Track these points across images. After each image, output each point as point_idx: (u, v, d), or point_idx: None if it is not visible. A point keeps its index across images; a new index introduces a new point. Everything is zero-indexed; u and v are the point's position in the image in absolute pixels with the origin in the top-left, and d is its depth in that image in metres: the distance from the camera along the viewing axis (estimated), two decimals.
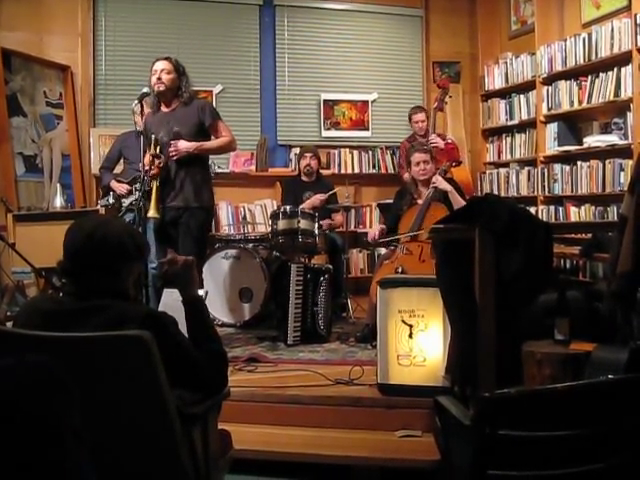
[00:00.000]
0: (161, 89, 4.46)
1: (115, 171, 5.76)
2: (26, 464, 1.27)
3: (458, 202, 4.84)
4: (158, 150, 4.43)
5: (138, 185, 4.50)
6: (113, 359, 1.89)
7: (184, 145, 4.42)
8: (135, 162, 5.53)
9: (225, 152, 5.00)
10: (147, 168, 4.33)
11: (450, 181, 5.09)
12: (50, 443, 1.30)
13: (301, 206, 5.52)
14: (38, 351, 1.69)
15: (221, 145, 4.62)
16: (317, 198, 5.89)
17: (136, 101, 4.39)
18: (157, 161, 4.39)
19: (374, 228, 5.33)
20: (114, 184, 5.52)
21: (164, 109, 4.59)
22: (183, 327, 2.20)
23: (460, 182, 5.37)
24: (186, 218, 4.50)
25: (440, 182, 4.97)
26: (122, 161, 5.77)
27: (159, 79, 4.45)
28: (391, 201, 5.80)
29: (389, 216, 5.47)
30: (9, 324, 2.14)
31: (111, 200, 5.41)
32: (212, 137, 4.63)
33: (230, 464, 2.48)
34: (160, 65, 4.48)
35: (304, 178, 6.15)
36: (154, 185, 4.41)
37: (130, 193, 5.38)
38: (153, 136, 4.44)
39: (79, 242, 2.07)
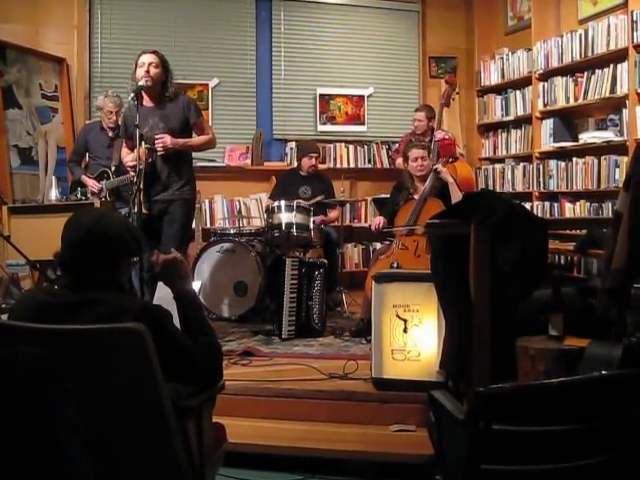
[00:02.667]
0: (149, 84, 4.37)
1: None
2: (20, 454, 1.27)
3: (457, 195, 4.83)
4: (144, 145, 4.37)
5: (135, 179, 4.49)
6: (108, 351, 1.89)
7: (172, 141, 4.40)
8: (101, 157, 5.58)
9: (206, 149, 4.98)
10: (141, 162, 4.27)
11: None
12: (44, 434, 1.30)
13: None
14: (33, 343, 1.69)
15: (204, 142, 4.64)
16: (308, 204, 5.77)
17: (132, 94, 4.35)
18: (148, 153, 4.35)
19: (377, 218, 5.35)
20: (85, 179, 5.54)
21: (147, 104, 4.51)
22: (177, 320, 2.21)
23: (463, 178, 5.38)
24: (174, 207, 4.51)
25: (444, 172, 4.98)
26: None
27: (147, 72, 4.36)
28: (387, 196, 5.80)
29: (386, 210, 5.47)
30: (4, 316, 2.13)
31: (79, 195, 5.41)
32: (194, 134, 4.64)
33: (224, 457, 2.48)
34: (147, 58, 4.39)
35: (302, 173, 6.14)
36: (141, 181, 4.36)
37: (101, 191, 5.40)
38: (138, 131, 4.32)
39: (79, 235, 2.07)
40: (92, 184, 5.47)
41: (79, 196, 5.40)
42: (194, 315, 2.28)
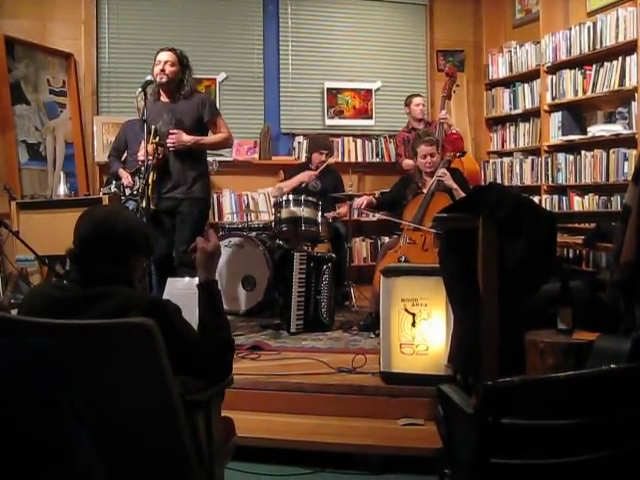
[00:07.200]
0: (164, 81, 4.44)
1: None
2: (26, 448, 1.27)
3: None
4: (157, 140, 4.41)
5: (142, 174, 4.50)
6: (117, 346, 1.89)
7: (184, 138, 4.42)
8: (136, 153, 5.53)
9: (221, 148, 5.00)
10: (150, 157, 4.31)
11: (454, 171, 5.09)
12: (50, 428, 1.30)
13: (283, 183, 5.64)
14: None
15: (218, 141, 4.66)
16: (307, 174, 5.94)
17: (140, 89, 4.37)
18: (160, 149, 4.39)
19: (361, 198, 5.32)
20: (121, 172, 5.51)
21: (164, 99, 4.58)
22: (186, 315, 2.21)
23: (469, 171, 5.35)
24: (185, 207, 4.51)
25: (448, 178, 4.95)
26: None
27: (162, 70, 4.42)
28: None
29: (383, 198, 5.47)
30: (13, 311, 2.15)
31: (113, 188, 5.40)
32: (210, 132, 4.65)
33: (233, 451, 2.49)
34: (164, 56, 4.45)
35: (312, 167, 6.14)
36: (151, 176, 4.39)
37: (134, 185, 5.38)
38: (153, 126, 4.41)
39: (89, 228, 2.09)
40: (125, 176, 5.43)
41: (112, 189, 5.38)
42: (214, 306, 2.28)
